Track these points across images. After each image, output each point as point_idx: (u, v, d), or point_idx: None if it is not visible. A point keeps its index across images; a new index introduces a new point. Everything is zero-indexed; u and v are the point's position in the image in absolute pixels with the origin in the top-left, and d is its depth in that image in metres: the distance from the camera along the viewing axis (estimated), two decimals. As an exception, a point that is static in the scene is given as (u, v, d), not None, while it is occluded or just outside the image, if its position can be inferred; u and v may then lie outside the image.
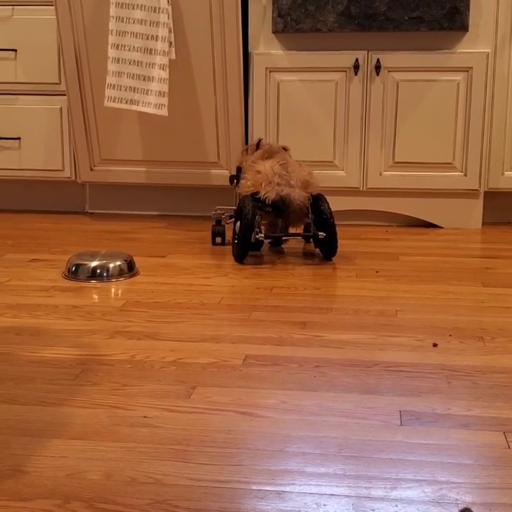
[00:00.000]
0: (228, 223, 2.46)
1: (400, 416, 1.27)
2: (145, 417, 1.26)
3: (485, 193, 2.71)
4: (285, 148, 2.39)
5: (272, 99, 2.65)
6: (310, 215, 2.26)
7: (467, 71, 2.59)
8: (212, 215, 2.48)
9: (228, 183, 2.58)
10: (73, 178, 2.89)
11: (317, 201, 2.25)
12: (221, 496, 1.03)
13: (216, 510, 0.99)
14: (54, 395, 1.33)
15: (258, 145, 2.41)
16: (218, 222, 2.47)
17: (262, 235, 2.25)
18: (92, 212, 2.97)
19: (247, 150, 2.46)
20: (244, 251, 2.25)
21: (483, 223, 2.73)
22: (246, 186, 2.26)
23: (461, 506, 1.01)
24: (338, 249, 2.28)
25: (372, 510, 1.00)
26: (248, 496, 1.03)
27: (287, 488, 1.05)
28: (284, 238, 2.38)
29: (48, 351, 1.54)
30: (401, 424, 1.24)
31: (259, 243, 2.35)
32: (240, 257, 2.26)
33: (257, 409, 1.29)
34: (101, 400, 1.32)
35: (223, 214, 2.46)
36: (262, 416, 1.27)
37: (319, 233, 2.24)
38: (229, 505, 1.00)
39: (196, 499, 1.02)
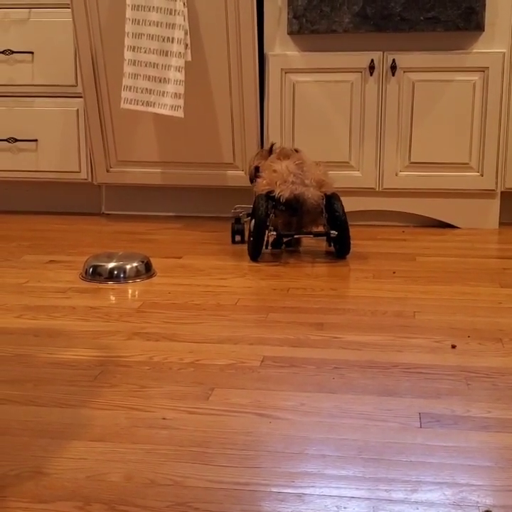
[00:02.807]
0: (246, 221, 2.47)
1: (420, 418, 1.27)
2: (164, 418, 1.26)
3: (502, 193, 2.69)
4: (296, 151, 2.40)
5: (288, 100, 2.65)
6: (324, 214, 2.27)
7: (483, 71, 2.57)
8: (231, 213, 2.51)
9: (247, 184, 2.58)
10: (89, 180, 2.89)
11: (330, 200, 2.26)
12: (241, 498, 1.03)
13: (236, 513, 0.99)
14: (73, 396, 1.34)
15: (271, 149, 2.42)
16: (237, 220, 2.49)
17: (274, 233, 2.27)
18: (109, 214, 2.98)
19: (260, 153, 2.47)
20: (258, 249, 2.27)
21: (500, 223, 2.71)
22: (261, 185, 2.29)
23: (482, 509, 1.00)
24: (352, 249, 2.29)
25: (393, 513, 1.00)
26: (268, 499, 1.03)
27: (307, 491, 1.05)
28: (297, 237, 2.38)
29: (67, 353, 1.55)
30: (421, 427, 1.24)
31: (279, 241, 2.37)
32: (253, 256, 2.28)
33: (276, 411, 1.29)
34: (120, 402, 1.32)
35: (242, 212, 2.49)
36: (281, 418, 1.27)
37: (331, 232, 2.26)
38: (249, 508, 1.00)
39: (216, 501, 1.02)
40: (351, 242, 2.29)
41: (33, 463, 1.11)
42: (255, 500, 1.02)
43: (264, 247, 2.28)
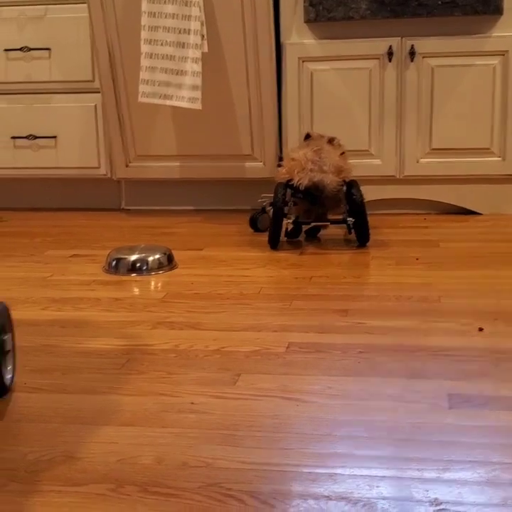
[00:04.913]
0: (269, 210, 2.47)
1: (449, 399, 1.26)
2: (192, 403, 1.26)
3: (524, 177, 2.67)
4: (332, 139, 2.37)
5: (306, 89, 2.64)
6: (344, 201, 2.27)
7: (503, 55, 2.55)
8: (259, 202, 2.51)
9: (266, 175, 2.58)
10: (109, 175, 2.90)
11: (349, 187, 2.26)
12: (272, 478, 1.03)
13: (268, 493, 0.99)
14: (101, 383, 1.35)
15: (306, 137, 2.41)
16: (263, 209, 2.50)
17: (292, 222, 2.28)
18: (129, 209, 2.98)
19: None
20: (276, 238, 2.28)
21: (523, 208, 2.69)
22: (281, 174, 2.29)
23: (517, 486, 0.99)
24: (374, 237, 2.28)
25: (426, 491, 0.99)
26: (299, 479, 1.03)
27: (338, 471, 1.05)
28: (316, 225, 2.38)
29: (93, 342, 1.55)
30: (450, 407, 1.23)
31: (297, 230, 2.36)
32: (271, 244, 2.28)
33: (303, 395, 1.29)
34: (148, 388, 1.32)
35: (266, 201, 2.49)
36: (308, 401, 1.27)
37: (349, 219, 2.25)
38: (280, 488, 1.00)
39: (247, 482, 1.02)
40: (372, 230, 2.29)
41: (64, 448, 1.11)
42: (286, 481, 1.02)
43: (284, 237, 2.29)
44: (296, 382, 1.34)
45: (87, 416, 1.22)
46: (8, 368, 1.28)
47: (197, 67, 2.48)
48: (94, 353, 1.50)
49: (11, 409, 1.24)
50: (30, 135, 2.89)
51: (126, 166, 2.85)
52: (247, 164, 2.77)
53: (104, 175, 2.91)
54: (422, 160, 2.65)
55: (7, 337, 1.28)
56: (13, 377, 1.30)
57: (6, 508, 0.97)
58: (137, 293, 1.93)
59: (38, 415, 1.22)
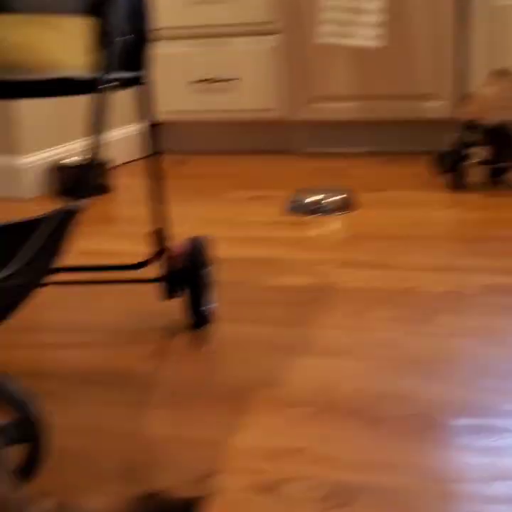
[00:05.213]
0: (453, 151, 2.37)
1: None
2: (385, 338, 1.25)
3: None
4: None
5: (493, 24, 2.48)
6: None
7: None
8: (442, 143, 2.43)
9: (449, 115, 2.48)
10: (288, 117, 2.90)
11: None
12: (472, 413, 1.00)
13: (470, 426, 0.97)
14: (293, 317, 1.37)
15: (501, 74, 2.29)
16: (447, 151, 2.40)
17: (478, 163, 2.19)
18: (308, 150, 2.98)
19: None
20: (460, 179, 2.20)
21: None
22: (467, 112, 2.19)
23: None
24: None
25: None
26: (501, 416, 0.99)
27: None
28: (503, 166, 2.25)
29: (282, 279, 1.58)
30: None
31: (494, 171, 2.25)
32: (455, 186, 2.21)
33: (503, 336, 1.24)
34: (339, 323, 1.33)
35: (450, 142, 2.39)
36: (509, 343, 1.22)
37: None
38: (481, 423, 0.98)
39: (445, 414, 1.00)
40: None
41: (262, 375, 1.14)
42: (487, 416, 0.99)
43: (467, 178, 2.19)
44: (496, 323, 1.29)
45: (281, 347, 1.24)
46: (208, 300, 1.33)
47: (379, 4, 2.40)
48: (284, 288, 1.52)
49: (210, 339, 1.29)
50: (210, 78, 2.94)
51: (306, 107, 2.84)
52: (428, 104, 2.67)
53: (283, 117, 2.91)
54: None
55: (207, 270, 1.32)
56: (212, 308, 1.35)
57: (208, 432, 1.01)
58: (320, 233, 1.93)
59: (235, 344, 1.26)
